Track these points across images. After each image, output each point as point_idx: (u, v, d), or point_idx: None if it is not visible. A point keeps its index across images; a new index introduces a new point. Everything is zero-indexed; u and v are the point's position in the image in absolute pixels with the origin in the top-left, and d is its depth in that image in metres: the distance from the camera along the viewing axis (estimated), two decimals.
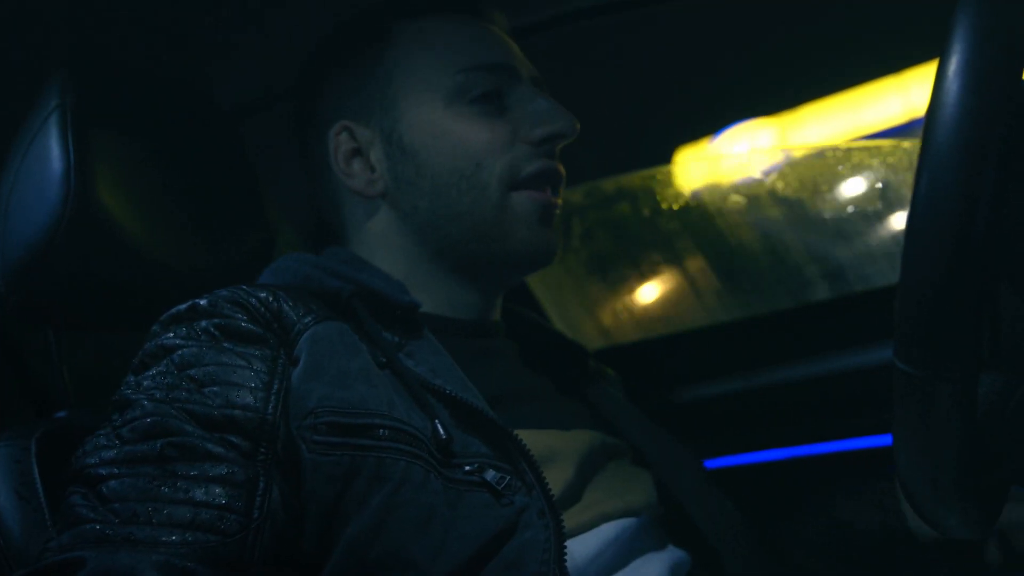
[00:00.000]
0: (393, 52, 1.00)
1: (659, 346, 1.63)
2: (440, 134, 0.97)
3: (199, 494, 0.72)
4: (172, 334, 0.83)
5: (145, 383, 0.79)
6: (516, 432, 0.85)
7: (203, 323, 0.83)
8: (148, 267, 0.94)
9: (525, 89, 1.00)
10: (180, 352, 0.81)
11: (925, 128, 0.62)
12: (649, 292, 1.71)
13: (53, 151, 0.87)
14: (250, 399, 0.79)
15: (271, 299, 0.85)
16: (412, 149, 0.98)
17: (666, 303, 1.69)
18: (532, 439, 0.86)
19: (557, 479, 0.85)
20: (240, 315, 0.83)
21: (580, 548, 0.84)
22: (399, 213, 1.00)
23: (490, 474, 0.82)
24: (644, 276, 1.71)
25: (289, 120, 1.09)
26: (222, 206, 1.04)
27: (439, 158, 0.97)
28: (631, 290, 1.73)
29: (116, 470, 0.73)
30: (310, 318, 0.86)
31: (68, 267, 0.89)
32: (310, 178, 1.07)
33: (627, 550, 0.88)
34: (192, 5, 0.99)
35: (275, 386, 0.81)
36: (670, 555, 0.91)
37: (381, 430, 0.81)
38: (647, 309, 1.71)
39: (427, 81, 0.99)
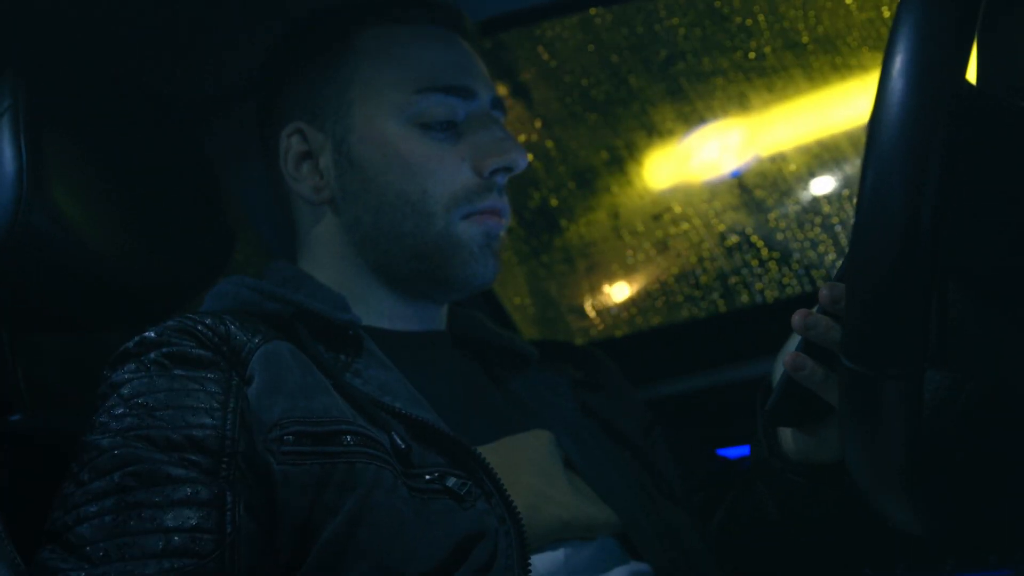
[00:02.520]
0: (353, 59, 1.00)
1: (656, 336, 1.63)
2: (390, 153, 0.97)
3: (168, 520, 0.72)
4: (121, 370, 0.82)
5: (99, 422, 0.79)
6: (471, 446, 0.85)
7: (151, 355, 0.82)
8: (102, 269, 0.94)
9: (480, 115, 1.00)
10: (129, 385, 0.80)
11: (870, 127, 0.62)
12: None
13: (5, 153, 0.86)
14: (207, 419, 0.78)
15: (218, 324, 0.85)
16: (360, 163, 0.98)
17: None
18: (487, 451, 0.86)
19: (515, 488, 0.85)
20: (188, 342, 0.83)
21: (542, 562, 0.84)
22: (342, 222, 1.00)
23: (451, 481, 0.82)
24: None
25: (253, 117, 1.08)
26: (180, 207, 1.03)
27: (386, 177, 0.97)
28: None
29: (80, 514, 0.72)
30: (259, 338, 0.86)
31: (21, 269, 0.88)
32: (268, 172, 1.07)
33: (590, 564, 0.88)
34: (146, 6, 0.98)
35: (231, 404, 0.80)
36: (632, 569, 0.90)
37: (347, 436, 0.81)
38: None
39: (382, 96, 0.98)
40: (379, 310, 1.01)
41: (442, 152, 0.97)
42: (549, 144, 1.60)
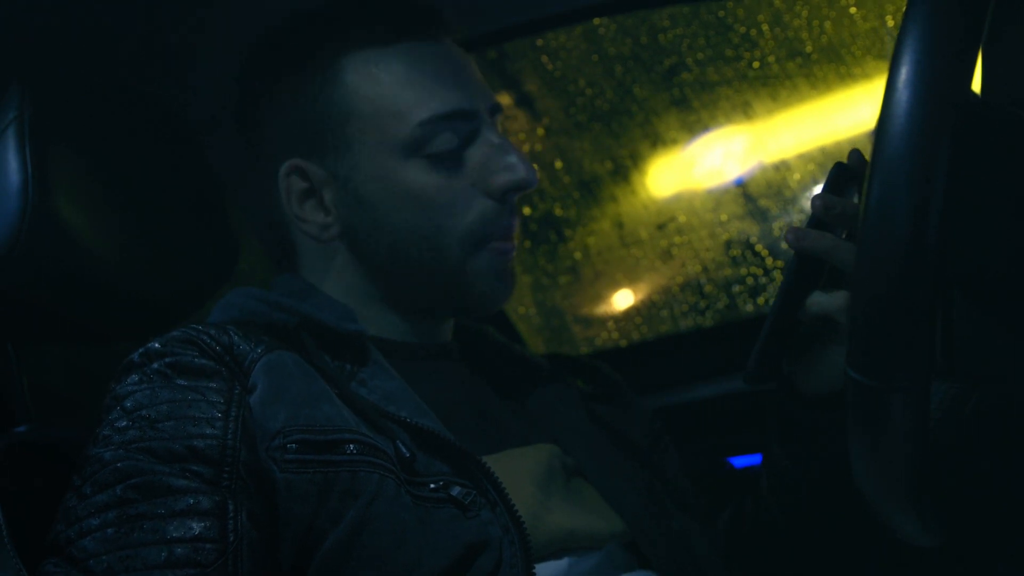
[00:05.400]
0: (346, 93, 0.95)
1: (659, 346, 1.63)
2: (398, 190, 0.94)
3: (171, 531, 0.71)
4: (124, 382, 0.82)
5: (102, 434, 0.78)
6: (476, 454, 0.85)
7: (154, 365, 0.82)
8: (107, 280, 0.94)
9: (485, 134, 0.97)
10: (132, 398, 0.80)
11: (875, 138, 0.62)
12: None
13: (10, 164, 0.86)
14: (209, 429, 0.78)
15: (221, 334, 0.85)
16: (369, 202, 0.95)
17: None
18: (491, 461, 0.86)
19: (519, 498, 0.85)
20: (192, 351, 0.83)
21: (547, 571, 0.84)
22: (355, 255, 0.98)
23: (455, 490, 0.82)
24: None
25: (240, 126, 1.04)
26: (184, 217, 1.03)
27: (397, 215, 0.95)
28: None
29: (82, 528, 0.72)
30: (261, 348, 0.86)
31: (25, 280, 0.88)
32: (258, 208, 1.04)
33: (595, 573, 0.88)
34: (152, 15, 0.98)
35: (232, 413, 0.80)
36: None
37: (350, 445, 0.81)
38: None
39: (384, 131, 0.94)
40: (384, 325, 1.00)
41: (451, 183, 0.95)
42: (553, 154, 1.60)
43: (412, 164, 0.94)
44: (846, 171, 0.83)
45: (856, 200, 0.81)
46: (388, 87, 0.95)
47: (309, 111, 0.96)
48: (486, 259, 0.97)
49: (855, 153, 0.84)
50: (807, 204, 1.51)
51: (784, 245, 1.54)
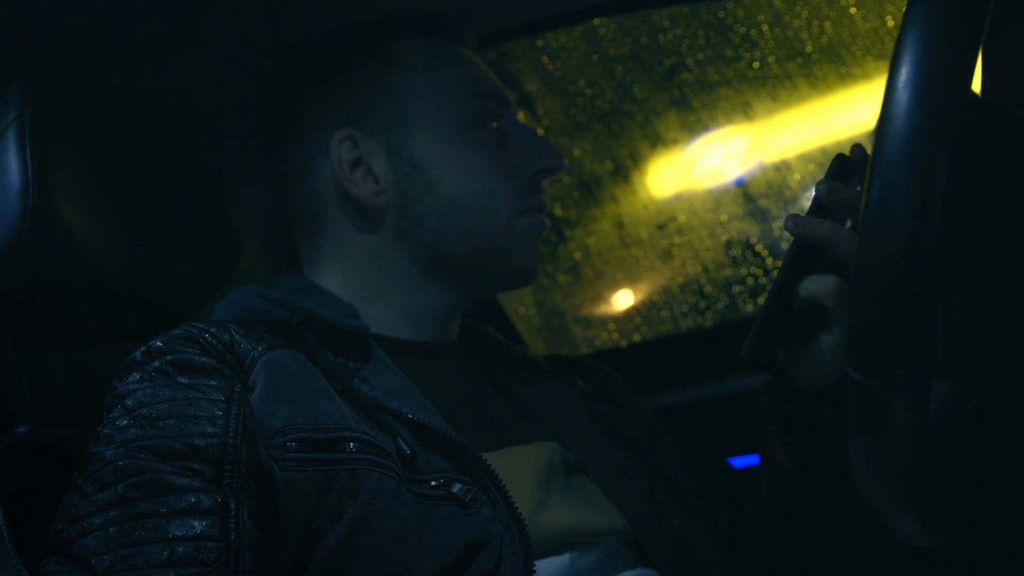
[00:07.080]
0: (402, 70, 1.04)
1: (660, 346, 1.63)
2: (454, 156, 1.01)
3: (172, 529, 0.72)
4: (126, 381, 0.82)
5: (103, 433, 0.79)
6: (477, 451, 0.85)
7: (156, 363, 0.83)
8: (108, 280, 0.94)
9: (518, 123, 1.07)
10: (133, 396, 0.80)
11: (875, 138, 0.62)
12: None
13: (11, 164, 0.86)
14: (209, 427, 0.78)
15: (222, 332, 0.86)
16: (424, 167, 1.01)
17: None
18: (492, 459, 0.86)
19: (519, 495, 0.85)
20: (193, 349, 0.83)
21: (547, 567, 0.84)
22: (399, 227, 1.01)
23: (456, 487, 0.83)
24: None
25: (269, 118, 1.09)
26: (185, 217, 1.04)
27: (452, 178, 1.00)
28: None
29: (84, 526, 0.72)
30: (263, 346, 0.86)
31: (26, 281, 0.89)
32: (289, 181, 1.06)
33: (596, 569, 0.88)
34: (152, 15, 0.98)
35: (233, 411, 0.80)
36: (639, 574, 0.90)
37: (350, 443, 0.81)
38: None
39: (442, 101, 1.03)
40: (397, 315, 1.02)
41: (498, 153, 1.03)
42: None
43: (468, 135, 1.02)
44: (847, 163, 0.83)
45: (857, 189, 0.81)
46: (444, 66, 1.05)
47: (364, 85, 1.03)
48: (528, 225, 1.03)
49: (857, 147, 0.84)
50: (807, 204, 1.52)
51: (784, 245, 1.55)
